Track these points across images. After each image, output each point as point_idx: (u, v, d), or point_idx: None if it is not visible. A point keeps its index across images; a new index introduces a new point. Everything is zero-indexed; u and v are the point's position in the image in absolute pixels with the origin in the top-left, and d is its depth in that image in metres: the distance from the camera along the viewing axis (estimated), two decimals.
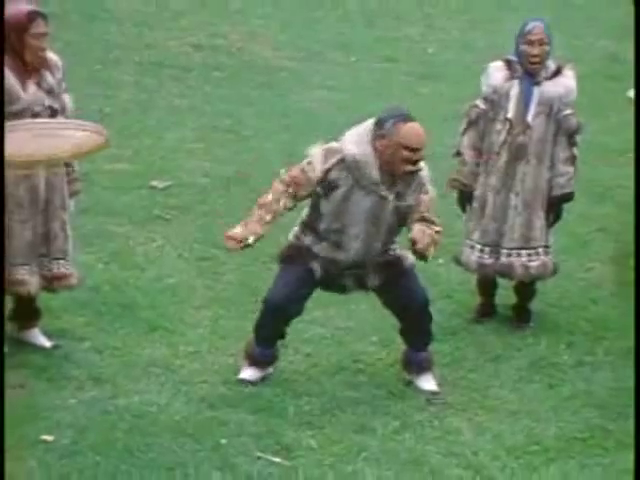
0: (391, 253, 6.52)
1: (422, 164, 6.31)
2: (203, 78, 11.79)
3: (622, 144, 10.35)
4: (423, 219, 6.32)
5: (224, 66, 12.18)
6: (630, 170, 9.72)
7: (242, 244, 6.28)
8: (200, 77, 11.82)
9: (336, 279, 6.54)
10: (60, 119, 6.36)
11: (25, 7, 6.36)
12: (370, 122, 6.30)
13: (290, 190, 6.35)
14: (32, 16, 6.31)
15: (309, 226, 6.51)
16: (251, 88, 11.60)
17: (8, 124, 6.11)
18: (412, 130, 6.20)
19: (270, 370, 6.61)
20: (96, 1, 12.51)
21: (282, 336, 6.64)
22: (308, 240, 6.48)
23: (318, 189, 6.32)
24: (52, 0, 11.57)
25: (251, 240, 6.28)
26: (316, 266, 6.46)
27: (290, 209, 6.42)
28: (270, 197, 6.37)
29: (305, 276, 6.48)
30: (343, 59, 12.72)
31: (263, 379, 6.55)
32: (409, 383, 6.63)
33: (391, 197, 6.29)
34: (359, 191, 6.29)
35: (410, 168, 6.22)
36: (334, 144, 6.37)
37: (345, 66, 12.47)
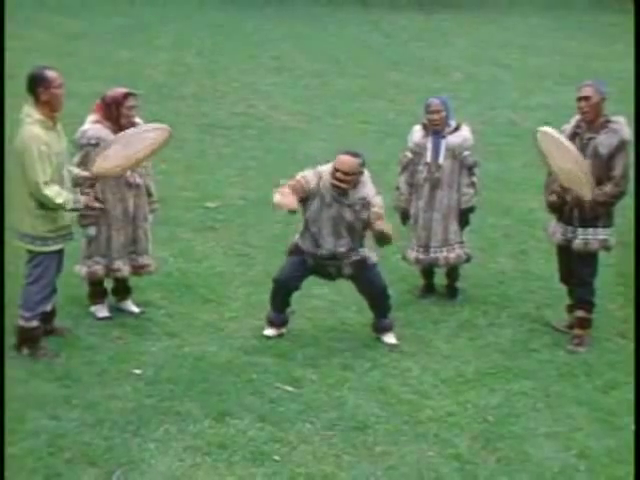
0: (360, 254, 6.43)
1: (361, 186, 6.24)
2: (241, 135, 11.73)
3: (517, 179, 10.24)
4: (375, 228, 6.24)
5: (255, 127, 12.10)
6: (523, 196, 9.72)
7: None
8: (239, 134, 11.74)
9: (322, 268, 6.48)
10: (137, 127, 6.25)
11: (122, 89, 6.33)
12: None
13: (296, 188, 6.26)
14: (126, 95, 6.29)
15: (301, 231, 6.49)
16: (272, 141, 11.54)
17: (105, 143, 6.08)
18: (340, 158, 6.26)
19: (284, 330, 6.54)
20: (172, 106, 12.41)
21: (288, 304, 6.54)
22: (300, 241, 6.47)
23: (305, 197, 6.28)
24: (141, 85, 11.57)
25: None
26: (307, 258, 6.43)
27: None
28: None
29: (300, 264, 6.44)
30: (334, 122, 12.64)
31: (280, 335, 6.50)
32: (377, 339, 6.57)
33: (346, 209, 6.26)
34: (325, 203, 6.29)
35: (332, 181, 6.24)
36: (319, 168, 6.38)
37: (335, 126, 12.39)
